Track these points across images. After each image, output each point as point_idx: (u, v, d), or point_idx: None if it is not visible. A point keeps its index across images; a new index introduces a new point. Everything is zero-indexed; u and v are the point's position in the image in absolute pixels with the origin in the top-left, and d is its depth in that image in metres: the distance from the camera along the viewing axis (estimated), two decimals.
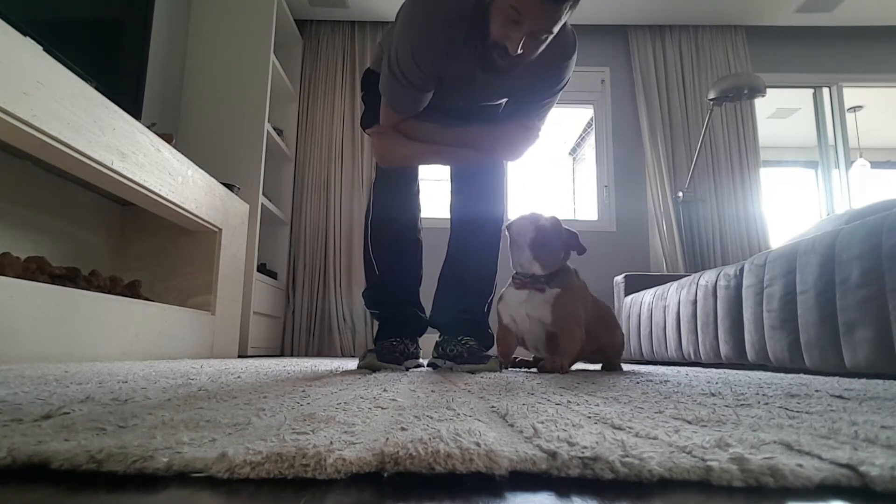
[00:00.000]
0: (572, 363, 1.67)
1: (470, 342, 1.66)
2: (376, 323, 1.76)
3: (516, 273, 1.71)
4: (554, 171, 5.55)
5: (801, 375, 1.63)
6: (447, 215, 1.77)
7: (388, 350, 1.61)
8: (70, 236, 2.30)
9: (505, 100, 1.68)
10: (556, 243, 1.68)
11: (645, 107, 4.21)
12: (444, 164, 1.72)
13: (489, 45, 1.37)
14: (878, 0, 4.06)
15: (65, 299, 1.69)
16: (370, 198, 1.73)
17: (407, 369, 1.61)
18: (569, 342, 1.64)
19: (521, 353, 1.97)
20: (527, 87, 1.55)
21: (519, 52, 1.34)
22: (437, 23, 1.39)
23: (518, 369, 1.86)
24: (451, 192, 1.77)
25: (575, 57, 1.54)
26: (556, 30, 1.35)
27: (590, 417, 0.55)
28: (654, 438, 0.42)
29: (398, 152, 1.58)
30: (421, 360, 1.79)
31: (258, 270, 3.30)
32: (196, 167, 2.45)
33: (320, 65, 4.22)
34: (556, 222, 1.69)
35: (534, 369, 1.84)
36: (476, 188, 1.71)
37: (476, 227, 1.71)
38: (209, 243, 2.64)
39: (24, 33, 1.53)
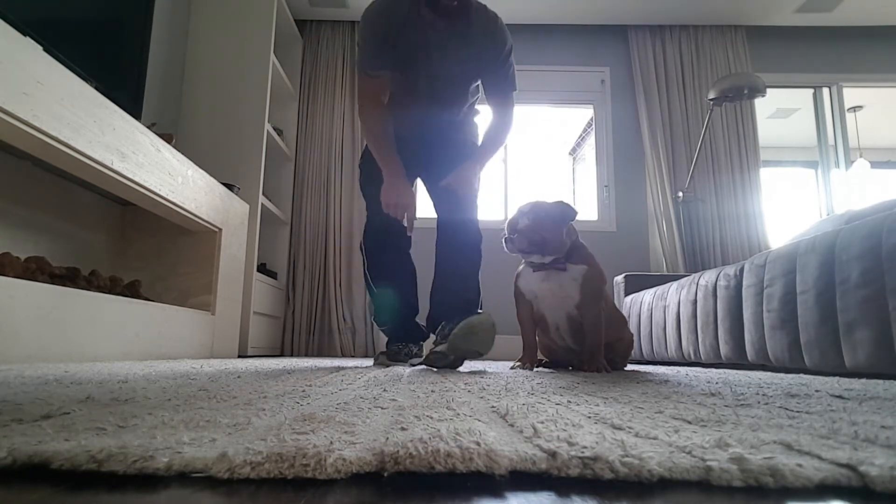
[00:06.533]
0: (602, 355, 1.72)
1: None
2: (381, 331, 2.17)
3: (530, 262, 1.77)
4: (554, 171, 5.55)
5: (801, 375, 1.63)
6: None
7: (397, 352, 2.05)
8: (70, 236, 2.30)
9: (465, 80, 1.92)
10: (551, 228, 1.70)
11: (645, 107, 4.21)
12: None
13: None
14: (878, 0, 4.05)
15: (65, 299, 1.69)
16: (363, 249, 1.99)
17: (412, 365, 1.97)
18: (594, 335, 1.68)
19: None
20: (481, 52, 1.83)
21: None
22: None
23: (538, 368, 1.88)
24: (434, 205, 2.00)
25: (501, 21, 1.86)
26: None
27: (590, 417, 0.55)
28: (654, 438, 0.42)
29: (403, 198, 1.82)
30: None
31: (258, 270, 3.30)
32: (196, 167, 2.45)
33: (320, 65, 4.22)
34: (537, 209, 1.74)
35: (541, 368, 1.84)
36: (454, 198, 1.91)
37: (458, 227, 1.93)
38: (209, 243, 2.64)
39: (24, 33, 1.53)
